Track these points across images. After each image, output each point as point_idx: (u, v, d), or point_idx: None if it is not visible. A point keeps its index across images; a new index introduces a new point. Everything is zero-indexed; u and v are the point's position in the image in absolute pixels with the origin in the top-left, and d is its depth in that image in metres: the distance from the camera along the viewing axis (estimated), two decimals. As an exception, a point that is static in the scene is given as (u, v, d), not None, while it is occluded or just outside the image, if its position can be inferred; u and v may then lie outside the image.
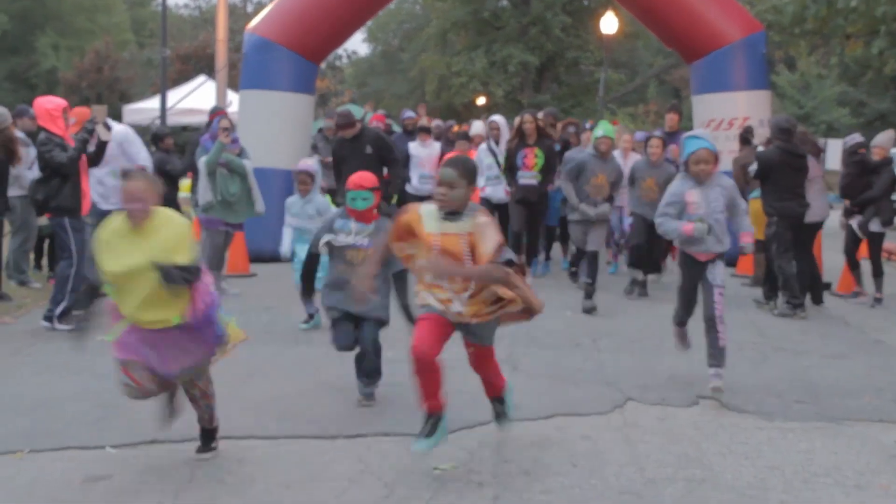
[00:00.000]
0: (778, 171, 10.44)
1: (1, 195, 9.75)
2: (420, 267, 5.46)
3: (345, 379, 6.77)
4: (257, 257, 13.23)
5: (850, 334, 9.81)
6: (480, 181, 12.55)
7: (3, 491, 5.01)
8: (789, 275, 10.46)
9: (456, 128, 16.29)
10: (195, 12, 68.71)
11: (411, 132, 15.16)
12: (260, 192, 10.95)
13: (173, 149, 13.05)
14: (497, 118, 13.38)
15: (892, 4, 16.69)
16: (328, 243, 6.98)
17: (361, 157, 11.45)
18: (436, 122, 16.64)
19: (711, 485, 5.26)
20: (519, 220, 12.25)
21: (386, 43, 60.46)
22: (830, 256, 12.96)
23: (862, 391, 7.40)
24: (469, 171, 5.37)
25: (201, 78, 28.43)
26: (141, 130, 32.08)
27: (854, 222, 11.66)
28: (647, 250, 11.60)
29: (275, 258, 10.99)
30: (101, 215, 9.26)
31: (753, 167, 10.64)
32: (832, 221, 11.83)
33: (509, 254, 5.58)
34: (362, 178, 6.93)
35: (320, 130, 14.39)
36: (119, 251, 5.07)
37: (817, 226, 11.29)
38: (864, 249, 11.88)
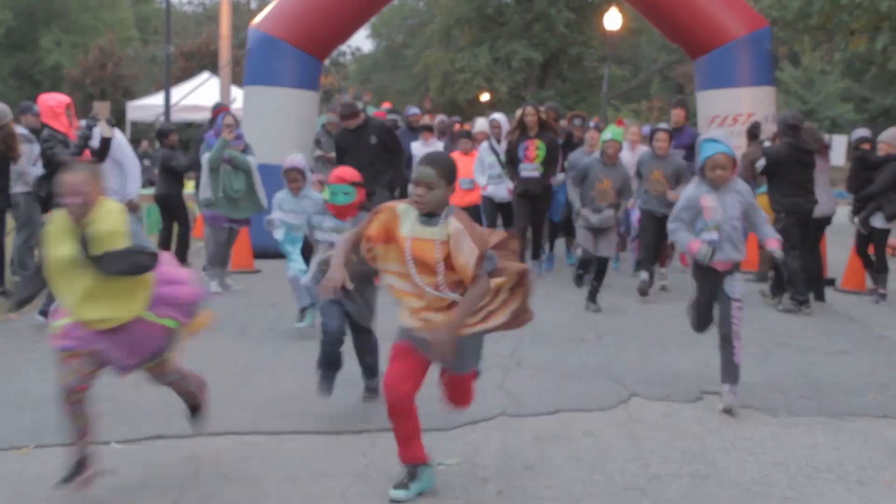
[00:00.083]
0: (786, 167, 10.43)
1: (2, 192, 9.76)
2: (432, 340, 4.81)
3: (349, 374, 6.77)
4: (261, 253, 13.22)
5: (854, 330, 9.80)
6: (482, 180, 12.55)
7: (9, 486, 5.03)
8: (795, 271, 10.46)
9: (458, 126, 16.21)
10: (199, 9, 68.63)
11: (416, 129, 15.10)
12: (264, 188, 10.96)
13: (178, 145, 13.05)
14: (498, 116, 13.24)
15: (896, 0, 16.66)
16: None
17: (366, 147, 11.38)
18: (440, 118, 16.56)
19: (715, 480, 5.27)
20: (523, 214, 12.01)
21: (390, 39, 60.38)
22: (835, 252, 12.96)
23: (866, 387, 7.40)
24: (448, 170, 4.95)
25: (205, 75, 28.45)
26: (145, 127, 32.33)
27: (857, 218, 11.67)
28: (656, 248, 11.26)
29: (279, 255, 11.04)
30: None
31: (761, 163, 10.62)
32: (837, 217, 11.80)
33: (494, 260, 4.98)
34: (345, 171, 6.69)
35: (323, 126, 14.37)
36: (59, 245, 4.90)
37: (824, 221, 11.29)
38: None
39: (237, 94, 21.30)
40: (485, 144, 12.84)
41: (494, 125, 12.91)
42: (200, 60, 40.33)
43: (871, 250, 11.79)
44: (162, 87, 22.33)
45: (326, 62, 23.93)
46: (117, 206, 5.02)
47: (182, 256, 13.14)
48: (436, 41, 45.27)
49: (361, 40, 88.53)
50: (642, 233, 11.41)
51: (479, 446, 5.76)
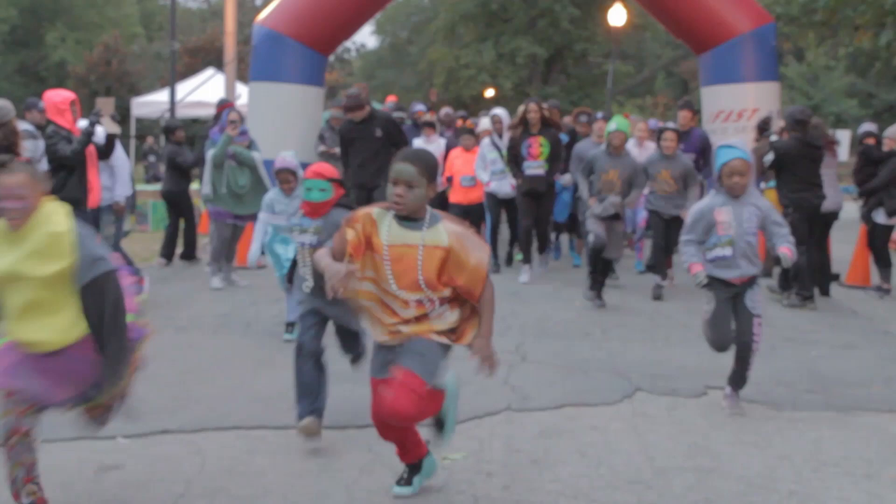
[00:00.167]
0: (794, 162, 10.42)
1: None
2: (475, 353, 4.54)
3: (354, 369, 6.78)
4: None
5: (858, 325, 9.80)
6: (485, 176, 12.47)
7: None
8: (801, 266, 10.45)
9: (461, 122, 16.16)
10: (203, 5, 68.76)
11: (422, 125, 15.05)
12: (271, 184, 10.98)
13: (185, 141, 13.08)
14: (499, 111, 13.03)
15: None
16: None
17: (371, 140, 11.34)
18: (445, 111, 16.49)
19: (720, 474, 5.27)
20: (528, 212, 11.84)
21: (394, 35, 60.37)
22: (839, 247, 12.96)
23: (871, 381, 7.40)
24: (429, 167, 4.52)
25: (210, 71, 28.49)
26: (150, 123, 32.38)
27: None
28: (666, 249, 11.06)
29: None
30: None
31: (769, 157, 10.60)
32: (843, 212, 11.80)
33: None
34: (322, 167, 6.20)
35: (327, 121, 14.39)
36: None
37: (831, 217, 11.29)
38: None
39: (242, 90, 21.36)
40: (486, 140, 12.70)
41: (496, 120, 12.73)
42: (205, 57, 40.44)
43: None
44: (167, 83, 22.37)
45: (331, 58, 23.96)
46: (61, 210, 4.47)
47: (189, 253, 13.19)
48: (440, 37, 45.31)
49: (366, 37, 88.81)
50: (652, 235, 11.26)
51: (485, 441, 5.77)
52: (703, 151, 12.34)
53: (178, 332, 8.72)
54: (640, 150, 12.09)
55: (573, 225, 13.29)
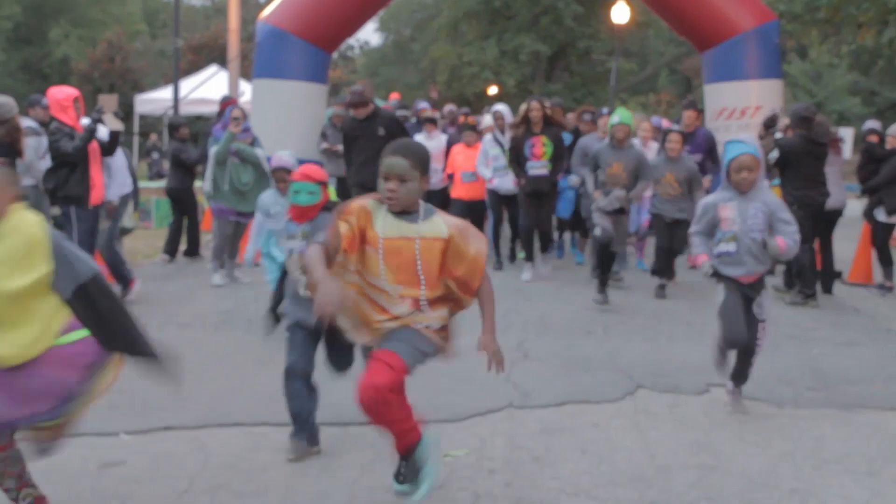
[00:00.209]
0: (799, 159, 10.39)
1: None
2: (482, 349, 4.39)
3: (356, 367, 6.79)
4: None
5: (861, 323, 9.80)
6: (487, 173, 12.38)
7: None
8: (804, 264, 10.45)
9: (463, 118, 16.14)
10: (207, 2, 68.70)
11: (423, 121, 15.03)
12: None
13: (189, 138, 13.10)
14: (501, 107, 12.97)
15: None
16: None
17: (374, 138, 11.28)
18: (449, 108, 16.47)
19: (722, 472, 5.28)
20: (530, 214, 11.69)
21: (398, 33, 60.38)
22: (841, 245, 12.94)
23: (873, 379, 7.41)
24: (421, 160, 4.39)
25: (213, 68, 28.50)
26: (153, 120, 32.39)
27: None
28: (669, 252, 10.93)
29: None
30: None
31: (774, 154, 10.58)
32: (847, 210, 11.80)
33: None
34: (312, 169, 5.92)
35: (330, 118, 14.39)
36: None
37: (835, 214, 11.28)
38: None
39: (246, 87, 21.36)
40: (488, 136, 12.61)
41: (498, 116, 12.66)
42: (209, 54, 40.47)
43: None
44: (170, 80, 22.40)
45: (335, 55, 23.96)
46: (34, 219, 4.07)
47: (192, 250, 13.20)
48: (443, 35, 45.28)
49: (369, 34, 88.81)
50: (655, 238, 11.16)
51: (487, 438, 5.78)
52: (709, 151, 12.30)
53: (181, 328, 8.73)
54: (644, 151, 12.02)
55: (577, 222, 13.25)
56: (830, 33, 22.24)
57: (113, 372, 4.26)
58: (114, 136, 9.74)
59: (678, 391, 6.91)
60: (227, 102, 12.92)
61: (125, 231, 11.89)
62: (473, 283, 4.44)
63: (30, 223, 4.03)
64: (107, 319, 4.15)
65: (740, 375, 6.53)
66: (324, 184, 5.92)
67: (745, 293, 6.38)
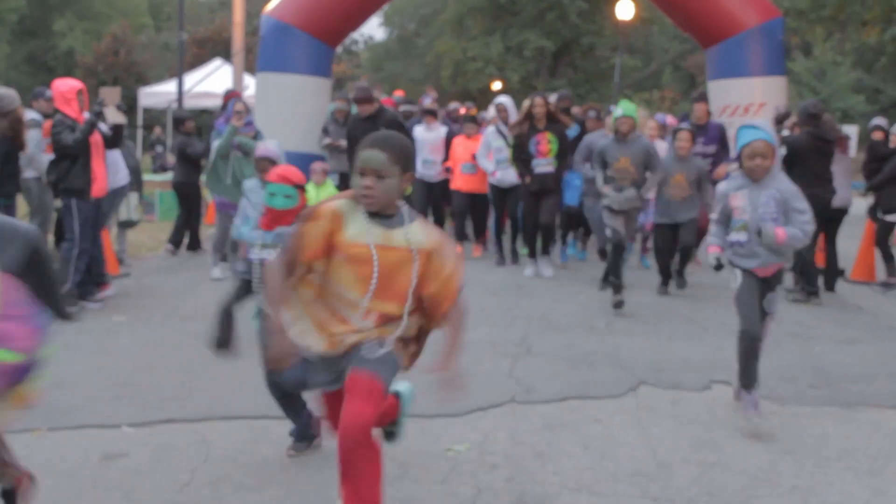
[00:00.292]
0: (806, 157, 10.35)
1: (12, 177, 9.76)
2: (447, 383, 3.98)
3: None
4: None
5: (863, 320, 9.80)
6: (489, 166, 12.31)
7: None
8: (808, 262, 10.44)
9: (464, 110, 16.10)
10: (212, -4, 68.72)
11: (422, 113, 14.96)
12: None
13: (194, 132, 13.11)
14: (504, 99, 12.80)
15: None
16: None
17: None
18: (453, 106, 16.46)
19: (723, 468, 5.28)
20: (534, 213, 11.51)
21: (402, 27, 60.34)
22: (844, 243, 12.93)
23: (875, 377, 7.40)
24: (402, 154, 3.92)
25: (217, 61, 28.50)
26: (157, 113, 32.40)
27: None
28: (669, 255, 10.76)
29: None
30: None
31: (781, 151, 10.55)
32: (851, 208, 11.79)
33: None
34: (289, 171, 5.60)
35: (332, 113, 14.39)
36: None
37: (840, 212, 11.27)
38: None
39: (250, 81, 21.36)
40: (491, 128, 12.45)
41: (501, 108, 12.52)
42: (213, 47, 40.46)
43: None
44: (175, 73, 22.39)
45: (339, 50, 23.95)
46: None
47: (194, 244, 13.21)
48: (448, 30, 45.28)
49: (374, 28, 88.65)
50: (654, 241, 11.04)
51: (489, 433, 5.78)
52: (722, 142, 12.12)
53: (183, 321, 8.74)
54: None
55: (581, 217, 12.96)
56: (835, 31, 22.25)
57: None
58: (118, 128, 9.73)
59: (680, 387, 6.91)
60: (230, 95, 12.93)
61: (129, 224, 11.92)
62: (443, 305, 4.04)
63: None
64: (52, 281, 3.93)
65: (744, 374, 6.11)
66: (301, 187, 5.51)
67: (761, 286, 6.16)
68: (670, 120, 13.74)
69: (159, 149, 26.43)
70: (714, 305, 9.84)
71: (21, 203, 10.59)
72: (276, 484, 4.92)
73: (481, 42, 41.68)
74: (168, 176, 16.87)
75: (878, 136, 11.87)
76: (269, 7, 15.49)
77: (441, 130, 13.79)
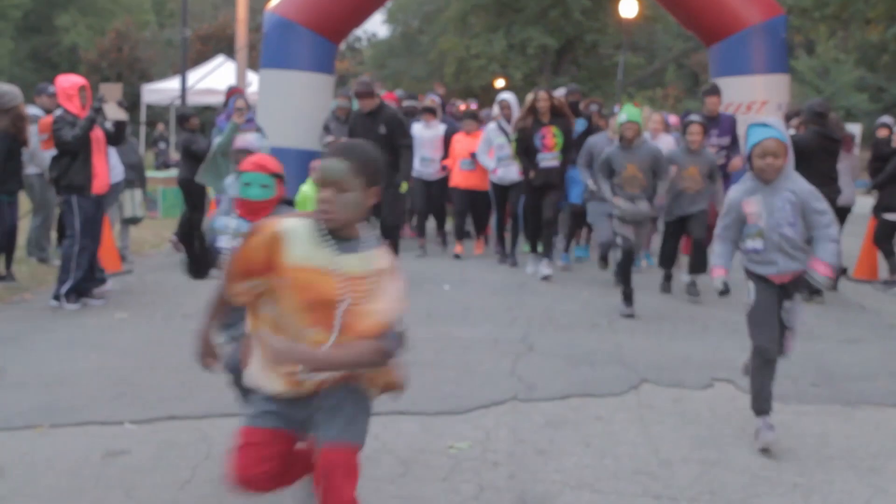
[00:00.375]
0: (812, 156, 10.29)
1: (14, 173, 9.77)
2: (269, 347, 3.41)
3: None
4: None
5: (865, 319, 9.80)
6: (490, 163, 12.21)
7: (24, 465, 5.06)
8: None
9: (464, 107, 16.05)
10: (215, -7, 68.72)
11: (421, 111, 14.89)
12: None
13: (199, 128, 13.12)
14: (507, 96, 12.58)
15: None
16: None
17: (374, 136, 11.11)
18: (453, 103, 16.46)
19: (725, 466, 5.28)
20: (536, 209, 11.33)
21: (405, 25, 60.25)
22: (848, 241, 12.91)
23: (877, 375, 7.40)
24: (367, 165, 3.42)
25: (220, 58, 28.53)
26: (160, 110, 32.45)
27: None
28: (675, 249, 10.66)
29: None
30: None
31: None
32: (856, 207, 11.78)
33: (396, 340, 3.52)
34: (265, 159, 5.17)
35: (333, 111, 14.38)
36: None
37: (844, 211, 11.26)
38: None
39: (253, 77, 21.39)
40: (492, 125, 12.31)
41: (504, 105, 12.32)
42: (217, 44, 40.49)
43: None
44: (178, 70, 22.42)
45: (342, 47, 23.95)
46: None
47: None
48: (451, 27, 45.22)
49: (377, 25, 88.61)
50: (664, 238, 10.86)
51: (491, 430, 5.78)
52: (734, 134, 11.96)
53: (186, 319, 8.72)
54: (658, 145, 11.84)
55: (584, 216, 12.79)
56: (838, 29, 22.24)
57: None
58: (120, 125, 9.71)
59: (682, 386, 6.91)
60: (232, 92, 12.94)
61: (133, 221, 11.93)
62: (358, 325, 3.42)
63: None
64: None
65: (757, 398, 5.70)
66: (279, 177, 5.15)
67: (778, 294, 5.76)
68: (673, 120, 13.70)
69: (162, 145, 26.45)
70: (716, 304, 9.83)
71: (24, 199, 10.62)
72: (277, 481, 4.92)
73: (484, 39, 41.61)
74: (171, 173, 16.88)
75: (882, 133, 11.86)
76: (273, 4, 15.49)
77: (440, 128, 13.61)
